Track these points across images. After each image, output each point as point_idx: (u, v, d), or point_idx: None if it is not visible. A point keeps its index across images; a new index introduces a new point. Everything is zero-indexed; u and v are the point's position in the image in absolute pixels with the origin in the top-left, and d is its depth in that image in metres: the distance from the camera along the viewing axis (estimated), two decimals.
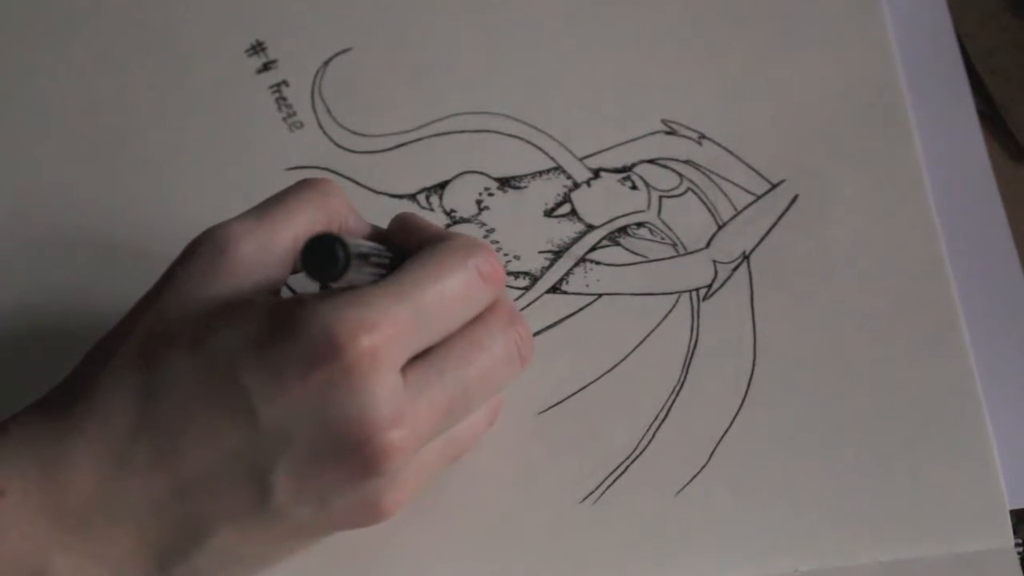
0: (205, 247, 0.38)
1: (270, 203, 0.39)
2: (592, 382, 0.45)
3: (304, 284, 0.44)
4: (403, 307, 0.36)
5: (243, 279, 0.37)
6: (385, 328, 0.35)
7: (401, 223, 0.41)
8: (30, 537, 0.35)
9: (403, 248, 0.40)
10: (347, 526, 0.38)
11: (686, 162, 0.50)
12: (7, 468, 0.36)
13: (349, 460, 0.35)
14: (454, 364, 0.38)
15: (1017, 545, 0.42)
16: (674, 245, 0.48)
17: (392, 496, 0.37)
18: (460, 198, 0.49)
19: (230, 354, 0.35)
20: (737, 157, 0.50)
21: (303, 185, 0.40)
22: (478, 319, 0.39)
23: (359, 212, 0.41)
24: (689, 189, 0.49)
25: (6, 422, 0.37)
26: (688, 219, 0.49)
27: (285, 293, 0.44)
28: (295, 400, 0.35)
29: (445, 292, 0.37)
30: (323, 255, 0.34)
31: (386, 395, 0.35)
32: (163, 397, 0.36)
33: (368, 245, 0.37)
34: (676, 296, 0.47)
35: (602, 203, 0.49)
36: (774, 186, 0.49)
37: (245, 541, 0.37)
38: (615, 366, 0.46)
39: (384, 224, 0.42)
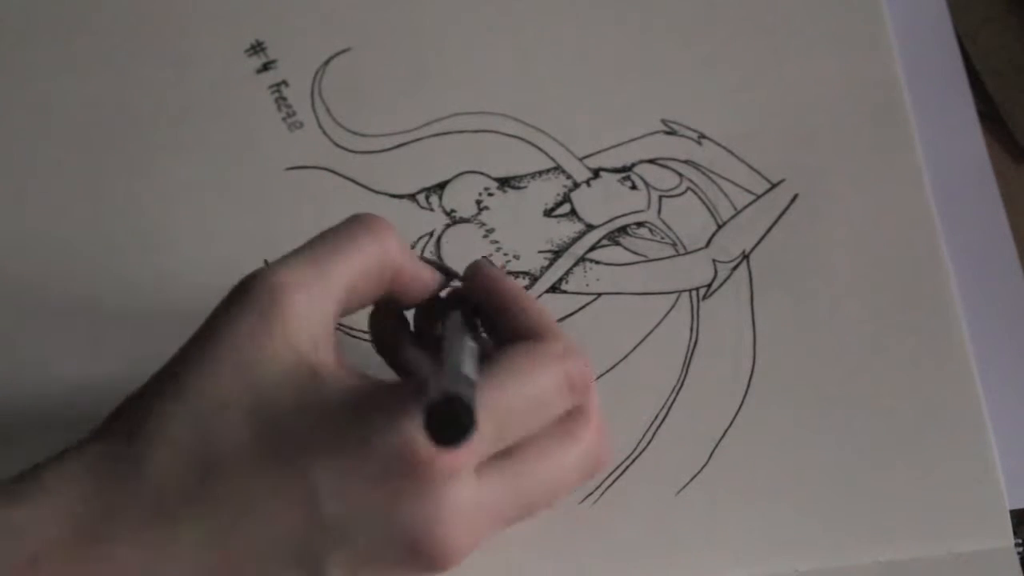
0: (253, 300, 0.35)
1: (323, 245, 0.37)
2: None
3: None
4: (487, 419, 0.33)
5: (298, 334, 0.35)
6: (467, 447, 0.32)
7: (484, 284, 0.39)
8: None
9: (487, 309, 0.39)
10: None
11: (686, 162, 0.50)
12: (41, 532, 0.33)
13: (411, 562, 0.34)
14: (531, 482, 0.36)
15: (1017, 545, 0.42)
16: (674, 245, 0.48)
17: None
18: (460, 198, 0.49)
19: (299, 440, 0.34)
20: (737, 157, 0.50)
21: (355, 223, 0.38)
22: (566, 432, 0.37)
23: (361, 212, 0.41)
24: (689, 189, 0.49)
25: (39, 473, 0.34)
26: (688, 219, 0.49)
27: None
28: (364, 501, 0.33)
29: (531, 401, 0.35)
30: (447, 422, 0.31)
31: (459, 507, 0.34)
32: (219, 473, 0.33)
33: (470, 349, 0.35)
34: (676, 296, 0.47)
35: (602, 203, 0.49)
36: (774, 185, 0.49)
37: None
38: (615, 366, 0.46)
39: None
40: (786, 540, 0.43)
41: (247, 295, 0.35)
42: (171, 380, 0.35)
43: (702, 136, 0.50)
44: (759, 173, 0.49)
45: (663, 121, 0.51)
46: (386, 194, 0.49)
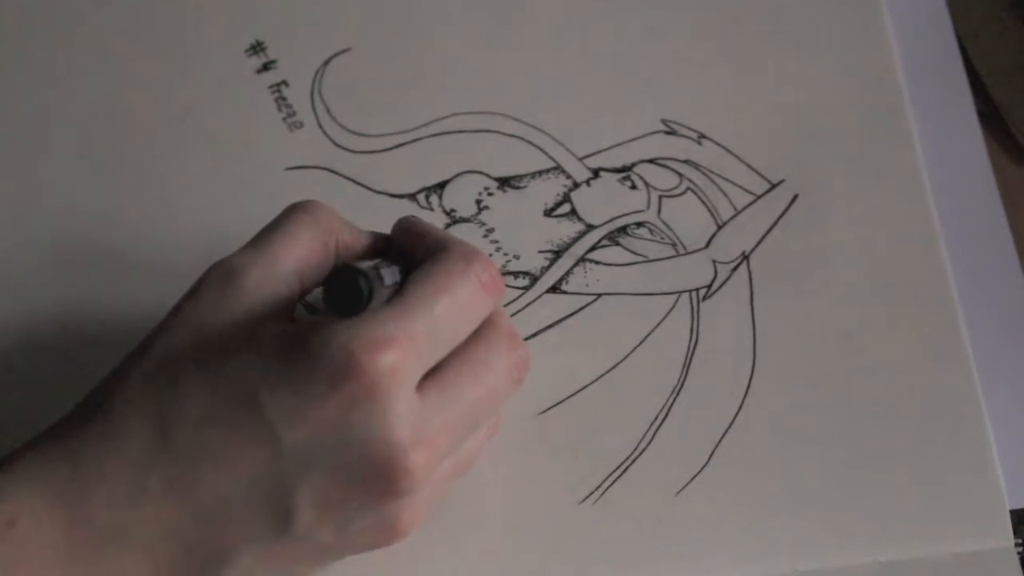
0: (211, 280, 0.38)
1: (266, 232, 0.39)
2: (592, 382, 0.45)
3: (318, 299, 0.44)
4: (417, 323, 0.36)
5: (252, 305, 0.37)
6: (403, 344, 0.35)
7: (404, 227, 0.41)
8: (41, 567, 0.35)
9: (408, 252, 0.40)
10: (365, 548, 0.38)
11: (686, 162, 0.50)
12: (18, 497, 0.35)
13: (373, 481, 0.35)
14: (466, 383, 0.38)
15: (1017, 545, 0.42)
16: (674, 245, 0.48)
17: (409, 516, 0.37)
18: (460, 198, 0.49)
19: (248, 379, 0.35)
20: (737, 157, 0.50)
21: (293, 209, 0.40)
22: (483, 339, 0.39)
23: (357, 216, 0.41)
24: (689, 189, 0.49)
25: (18, 450, 0.37)
26: (688, 219, 0.49)
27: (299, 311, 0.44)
28: (317, 422, 0.35)
29: (453, 304, 0.37)
30: (346, 289, 0.35)
31: (407, 414, 0.35)
32: (179, 423, 0.35)
33: (387, 270, 0.37)
34: (676, 296, 0.47)
35: (602, 203, 0.49)
36: (774, 186, 0.49)
37: (263, 564, 0.36)
38: (615, 366, 0.46)
39: (383, 223, 0.42)
40: (786, 540, 0.43)
41: (205, 279, 0.38)
42: (136, 352, 0.38)
43: (702, 136, 0.50)
44: (759, 173, 0.49)
45: (663, 121, 0.51)
46: (386, 194, 0.49)
